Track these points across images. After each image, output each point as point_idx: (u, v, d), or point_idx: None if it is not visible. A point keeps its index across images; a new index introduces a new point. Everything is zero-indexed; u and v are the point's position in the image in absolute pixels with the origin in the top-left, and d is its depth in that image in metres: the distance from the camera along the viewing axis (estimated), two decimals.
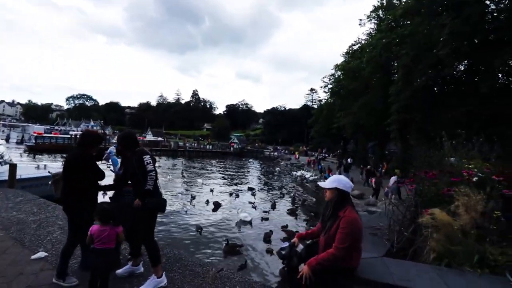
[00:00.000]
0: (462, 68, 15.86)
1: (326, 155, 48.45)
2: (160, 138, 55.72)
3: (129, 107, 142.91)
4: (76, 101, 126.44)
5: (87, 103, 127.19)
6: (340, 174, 22.06)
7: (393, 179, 12.96)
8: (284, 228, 9.42)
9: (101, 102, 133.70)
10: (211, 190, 15.10)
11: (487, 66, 13.30)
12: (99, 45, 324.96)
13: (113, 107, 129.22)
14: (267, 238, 8.37)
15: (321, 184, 2.64)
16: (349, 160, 25.81)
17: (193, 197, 12.62)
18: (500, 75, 13.73)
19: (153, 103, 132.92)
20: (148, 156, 2.87)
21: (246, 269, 6.38)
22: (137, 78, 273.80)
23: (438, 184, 3.24)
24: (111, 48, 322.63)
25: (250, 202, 12.79)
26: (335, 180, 2.54)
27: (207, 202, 12.12)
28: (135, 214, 2.82)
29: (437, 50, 13.60)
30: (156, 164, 3.23)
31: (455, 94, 15.43)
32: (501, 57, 12.50)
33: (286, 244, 2.98)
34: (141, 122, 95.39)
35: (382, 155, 30.97)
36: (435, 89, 17.17)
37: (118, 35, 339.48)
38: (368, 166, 18.11)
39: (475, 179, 3.09)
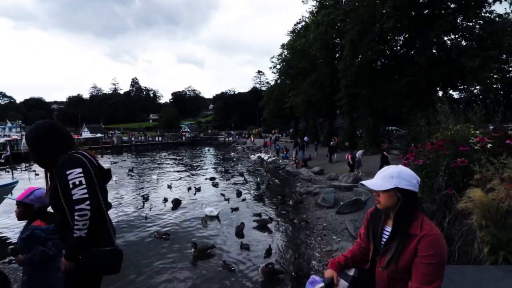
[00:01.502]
0: (401, 43, 16.83)
1: (280, 136, 49.40)
2: (99, 135, 49.59)
3: (56, 102, 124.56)
4: None
5: (0, 101, 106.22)
6: (297, 153, 22.32)
7: (359, 153, 13.18)
8: (257, 216, 8.77)
9: (19, 99, 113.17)
10: (169, 186, 13.59)
11: (424, 38, 14.23)
12: (4, 31, 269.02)
13: (35, 104, 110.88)
14: (239, 232, 7.60)
15: (370, 184, 1.56)
16: (305, 138, 26.30)
17: (145, 198, 11.02)
18: (434, 48, 14.86)
19: (86, 95, 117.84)
20: (79, 171, 1.62)
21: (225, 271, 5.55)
22: (61, 69, 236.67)
23: (446, 156, 2.79)
24: (22, 34, 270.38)
25: (222, 194, 11.76)
26: (392, 175, 1.47)
27: (165, 200, 10.72)
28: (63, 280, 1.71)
29: (381, 24, 14.02)
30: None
31: (396, 67, 16.39)
32: (436, 29, 13.39)
33: (318, 282, 1.69)
34: (74, 119, 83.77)
35: (331, 130, 32.57)
36: (379, 63, 18.08)
37: (27, 18, 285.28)
38: (331, 143, 18.48)
39: (489, 145, 2.71)
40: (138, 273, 5.65)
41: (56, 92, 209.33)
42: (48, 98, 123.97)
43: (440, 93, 16.60)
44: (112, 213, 9.34)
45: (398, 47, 16.91)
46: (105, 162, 25.63)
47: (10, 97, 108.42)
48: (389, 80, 16.17)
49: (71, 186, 1.58)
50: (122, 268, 5.39)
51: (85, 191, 1.59)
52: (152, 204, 10.43)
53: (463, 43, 14.05)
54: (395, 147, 22.22)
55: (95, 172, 1.76)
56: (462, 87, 16.98)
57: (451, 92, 17.64)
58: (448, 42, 14.68)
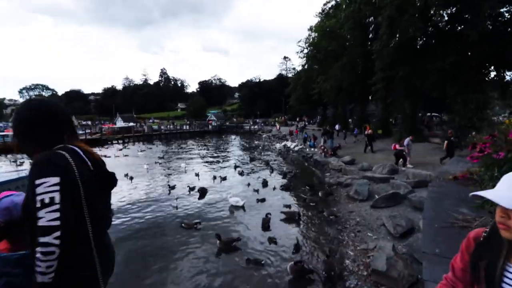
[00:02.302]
0: (446, 18, 14.90)
1: (307, 123, 48.04)
2: (131, 124, 51.93)
3: (93, 94, 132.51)
4: (31, 93, 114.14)
5: (43, 93, 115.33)
6: (325, 141, 21.37)
7: (407, 140, 11.98)
8: (287, 207, 8.38)
9: (60, 91, 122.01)
10: (196, 175, 13.67)
11: (476, 11, 12.39)
12: (44, 27, 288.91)
13: (75, 96, 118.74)
14: (265, 224, 7.29)
15: (497, 198, 0.91)
16: (336, 126, 25.09)
17: (171, 187, 11.11)
18: (488, 22, 12.91)
19: (119, 87, 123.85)
20: (54, 181, 1.12)
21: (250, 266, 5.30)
22: (97, 62, 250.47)
23: None
24: (60, 30, 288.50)
25: (248, 184, 11.50)
26: None
27: (191, 189, 10.71)
28: None
29: None
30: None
31: (440, 45, 14.60)
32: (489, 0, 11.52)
33: None
34: (109, 109, 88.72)
35: (363, 117, 30.75)
36: (420, 41, 16.28)
37: (65, 14, 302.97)
38: (370, 130, 17.08)
39: None
40: (162, 263, 5.60)
41: (92, 84, 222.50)
42: (86, 90, 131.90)
43: (493, 74, 14.61)
44: (141, 202, 9.55)
45: (444, 23, 14.97)
46: (134, 150, 26.79)
47: (52, 90, 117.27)
48: (432, 59, 14.48)
49: (38, 204, 1.08)
50: (146, 257, 5.41)
51: (58, 215, 1.08)
52: (179, 193, 10.47)
53: None
54: (435, 134, 20.37)
55: (86, 180, 1.22)
56: None
57: (503, 73, 15.43)
58: (506, 14, 12.63)
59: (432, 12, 14.51)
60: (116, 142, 36.07)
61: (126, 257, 5.83)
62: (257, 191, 10.55)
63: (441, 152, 14.44)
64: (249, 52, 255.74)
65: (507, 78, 14.72)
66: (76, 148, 1.29)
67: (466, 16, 13.43)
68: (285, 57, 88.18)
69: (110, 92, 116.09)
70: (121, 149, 26.44)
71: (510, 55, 12.12)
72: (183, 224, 7.31)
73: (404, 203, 7.60)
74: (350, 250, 5.69)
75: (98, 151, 24.77)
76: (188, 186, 10.85)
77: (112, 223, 5.68)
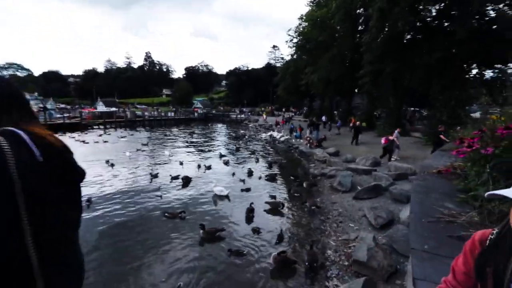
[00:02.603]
0: (434, 13, 15.05)
1: (293, 114, 48.21)
2: (114, 109, 50.02)
3: (72, 76, 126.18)
4: (5, 72, 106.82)
5: (18, 73, 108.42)
6: (311, 133, 21.51)
7: (396, 133, 12.00)
8: (272, 198, 8.35)
9: (37, 72, 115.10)
10: (181, 163, 13.37)
11: (464, 8, 12.57)
12: (21, 2, 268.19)
13: (53, 77, 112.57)
14: (249, 214, 7.24)
15: None
16: (323, 118, 25.20)
17: (153, 175, 10.78)
18: (475, 18, 13.14)
19: (101, 69, 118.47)
20: None
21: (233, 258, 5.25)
22: (78, 42, 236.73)
23: None
24: (40, 6, 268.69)
25: (233, 174, 11.37)
26: None
27: (173, 178, 10.45)
28: None
29: None
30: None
31: (427, 40, 14.80)
32: None
33: None
34: (89, 92, 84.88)
35: (348, 110, 31.17)
36: (408, 36, 16.44)
37: None
38: (357, 123, 17.19)
39: None
40: (144, 254, 5.44)
41: (72, 65, 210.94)
42: (65, 72, 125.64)
43: (475, 71, 15.05)
44: (123, 190, 9.22)
45: (431, 18, 15.14)
46: (115, 136, 25.87)
47: (28, 70, 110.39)
48: (419, 55, 14.70)
49: None
50: (128, 249, 5.22)
51: None
52: (162, 182, 10.20)
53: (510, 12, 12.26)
54: (417, 129, 21.00)
55: (28, 173, 0.86)
56: (500, 66, 15.28)
57: (482, 72, 15.94)
58: (492, 12, 12.90)
59: (421, 7, 14.60)
60: (96, 127, 34.72)
61: (107, 249, 5.64)
62: (242, 181, 10.46)
63: (422, 146, 14.92)
64: (238, 39, 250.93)
65: (487, 76, 15.21)
66: (21, 132, 0.94)
67: (454, 12, 13.62)
68: (274, 46, 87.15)
69: (91, 74, 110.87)
70: (100, 135, 25.45)
71: (496, 53, 12.46)
72: (166, 214, 7.12)
73: (385, 195, 7.76)
74: (332, 241, 5.76)
75: (77, 136, 23.96)
76: (170, 175, 10.57)
77: (92, 213, 5.41)
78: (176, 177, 10.49)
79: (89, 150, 17.63)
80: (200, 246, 5.76)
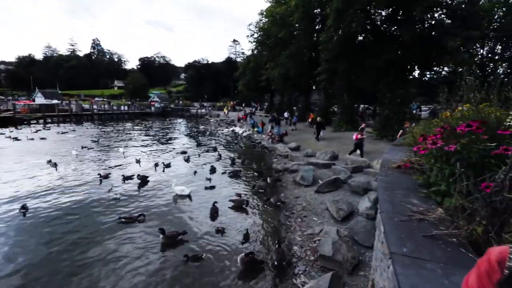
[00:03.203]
0: (383, 18, 16.22)
1: (255, 110, 48.44)
2: (55, 101, 44.56)
3: (3, 63, 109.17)
4: None
5: None
6: (272, 128, 21.76)
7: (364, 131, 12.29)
8: (237, 196, 8.11)
9: None
10: (138, 161, 12.36)
11: (408, 14, 13.75)
12: None
13: None
14: (213, 214, 6.95)
15: None
16: (285, 114, 25.55)
17: (103, 176, 9.72)
18: (418, 25, 14.48)
19: (39, 56, 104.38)
20: None
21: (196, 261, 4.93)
22: (8, 25, 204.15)
23: (482, 141, 2.24)
24: None
25: (194, 172, 10.80)
26: None
27: (125, 178, 9.57)
28: None
29: None
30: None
31: (377, 43, 15.90)
32: (420, 4, 12.88)
33: None
34: (25, 82, 74.28)
35: (307, 105, 32.31)
36: (360, 38, 17.47)
37: None
38: (318, 118, 17.57)
39: None
40: (96, 265, 4.83)
41: (3, 51, 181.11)
42: None
43: (417, 73, 16.70)
44: (68, 195, 8.14)
45: (380, 22, 16.31)
46: (54, 131, 23.03)
47: None
48: (369, 56, 15.77)
49: None
50: (77, 263, 4.57)
51: None
52: (114, 183, 9.26)
53: (448, 21, 13.79)
54: (368, 125, 22.67)
55: None
56: (437, 68, 17.16)
57: (418, 72, 17.77)
58: (432, 21, 14.35)
59: (372, 10, 15.61)
60: (34, 122, 30.57)
61: (50, 264, 4.87)
62: (204, 178, 10.05)
63: (373, 140, 16.08)
64: (197, 31, 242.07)
65: (426, 77, 16.95)
66: None
67: (400, 17, 14.82)
68: (235, 40, 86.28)
69: (26, 61, 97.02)
70: (36, 131, 22.40)
71: (434, 57, 13.89)
72: (122, 219, 6.44)
73: (344, 188, 8.13)
74: (298, 236, 5.79)
75: (7, 132, 20.71)
76: (123, 175, 9.68)
77: (28, 222, 4.61)
78: (130, 177, 9.64)
79: (24, 148, 15.36)
80: (161, 252, 5.32)
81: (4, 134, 20.25)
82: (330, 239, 4.86)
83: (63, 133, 22.47)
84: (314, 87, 31.71)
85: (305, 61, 24.83)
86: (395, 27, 15.51)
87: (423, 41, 13.72)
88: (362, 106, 31.26)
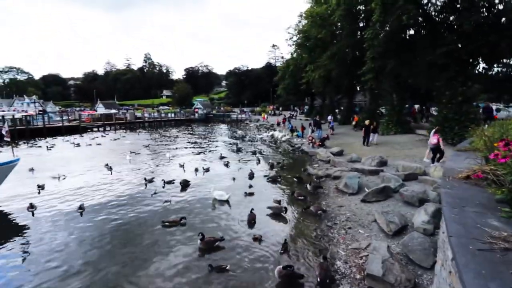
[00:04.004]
0: (438, 8, 14.53)
1: (294, 114, 47.75)
2: (113, 110, 49.72)
3: (72, 79, 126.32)
4: (5, 76, 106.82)
5: (18, 76, 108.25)
6: (313, 131, 21.04)
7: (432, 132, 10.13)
8: (277, 203, 7.89)
9: (37, 75, 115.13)
10: (181, 166, 12.95)
11: (471, 0, 12.07)
12: (13, 4, 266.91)
13: (53, 80, 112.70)
14: (251, 221, 6.80)
15: None
16: (329, 117, 24.50)
17: (148, 181, 10.27)
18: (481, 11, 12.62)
19: (101, 72, 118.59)
20: None
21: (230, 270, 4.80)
22: (76, 45, 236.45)
23: None
24: (31, 9, 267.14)
25: (233, 178, 10.80)
26: None
27: (166, 182, 9.95)
28: None
29: None
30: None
31: (431, 35, 14.28)
32: None
33: None
34: (89, 95, 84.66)
35: (350, 108, 30.65)
36: (411, 31, 15.95)
37: None
38: (367, 121, 15.88)
39: None
40: (139, 266, 5.03)
41: (72, 68, 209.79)
42: (64, 75, 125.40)
43: (482, 66, 14.51)
44: (120, 197, 8.80)
45: (436, 12, 14.64)
46: (109, 138, 25.56)
47: (28, 73, 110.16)
48: (423, 51, 14.20)
49: None
50: (124, 260, 4.77)
51: None
52: (157, 187, 9.75)
53: None
54: (421, 126, 20.47)
55: None
56: (507, 60, 14.77)
57: (483, 66, 15.36)
58: (500, 4, 12.37)
59: (425, 0, 14.11)
60: (96, 129, 34.43)
61: (101, 260, 5.26)
62: (243, 183, 10.03)
63: (426, 144, 14.41)
64: (237, 39, 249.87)
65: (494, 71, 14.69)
66: None
67: (459, 6, 13.11)
68: (273, 45, 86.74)
69: (90, 76, 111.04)
70: (94, 138, 25.15)
71: (504, 47, 11.94)
72: (166, 222, 6.67)
73: (395, 197, 7.32)
74: (341, 250, 5.31)
75: (72, 139, 23.66)
76: (163, 180, 10.12)
77: (85, 223, 4.92)
78: (170, 182, 10.05)
79: (83, 153, 17.30)
80: (198, 258, 5.32)
81: (68, 140, 23.21)
82: (380, 256, 4.32)
83: (115, 139, 24.79)
84: (358, 88, 29.98)
85: (347, 61, 23.59)
86: (453, 17, 13.76)
87: (489, 30, 11.86)
88: (416, 106, 28.47)
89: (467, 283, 1.29)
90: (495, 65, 16.03)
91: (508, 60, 18.01)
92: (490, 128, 4.14)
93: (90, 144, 21.26)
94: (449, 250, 1.81)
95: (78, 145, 20.92)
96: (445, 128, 13.49)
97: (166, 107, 73.57)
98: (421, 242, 4.69)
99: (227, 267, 4.79)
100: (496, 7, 12.43)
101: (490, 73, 17.50)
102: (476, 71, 14.90)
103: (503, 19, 12.29)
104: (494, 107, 23.94)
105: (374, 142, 15.85)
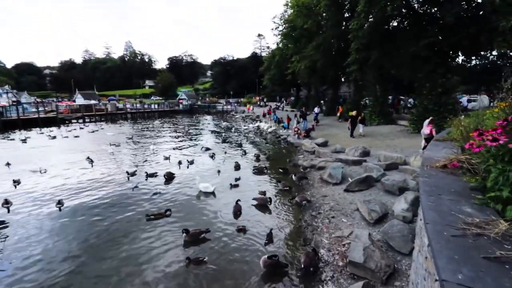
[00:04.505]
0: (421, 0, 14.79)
1: (280, 105, 47.83)
2: (93, 101, 47.79)
3: (48, 68, 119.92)
4: None
5: None
6: (298, 123, 21.17)
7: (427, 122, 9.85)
8: (261, 194, 7.94)
9: (9, 63, 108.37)
10: (167, 158, 12.71)
11: None
12: None
13: (27, 68, 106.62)
14: (237, 212, 6.82)
15: None
16: (316, 109, 24.58)
17: (130, 174, 9.98)
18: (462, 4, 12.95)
19: (78, 60, 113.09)
20: None
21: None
22: (53, 32, 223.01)
23: None
24: None
25: (218, 171, 10.67)
26: None
27: (148, 176, 9.78)
28: None
29: None
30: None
31: (414, 27, 14.58)
32: None
33: None
34: (67, 84, 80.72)
35: (335, 99, 31.03)
36: (394, 23, 16.17)
37: None
38: (354, 112, 16.02)
39: None
40: (120, 259, 4.94)
41: (47, 57, 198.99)
42: (39, 63, 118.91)
43: (461, 58, 15.02)
44: (101, 190, 8.55)
45: (418, 4, 14.89)
46: (85, 130, 24.66)
47: None
48: (406, 43, 14.50)
49: None
50: (102, 254, 4.68)
51: None
52: (140, 181, 9.54)
53: None
54: (403, 117, 21.07)
55: None
56: (484, 53, 15.34)
57: (463, 58, 15.94)
58: None
59: None
60: (75, 121, 33.06)
61: (84, 256, 5.13)
62: (229, 175, 10.00)
63: (409, 135, 14.90)
64: (223, 28, 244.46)
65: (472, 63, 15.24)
66: None
67: None
68: (259, 35, 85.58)
69: (67, 65, 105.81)
70: (70, 130, 24.12)
71: (484, 40, 12.36)
72: (151, 216, 6.55)
73: (376, 187, 7.54)
74: (325, 238, 5.44)
75: (48, 131, 22.60)
76: (146, 172, 9.94)
77: (65, 216, 4.73)
78: (153, 175, 9.88)
79: (60, 147, 16.60)
80: (184, 249, 5.30)
81: (44, 133, 22.17)
82: (361, 244, 4.46)
83: (93, 131, 23.85)
84: (343, 79, 30.34)
85: (333, 52, 23.73)
86: (435, 9, 14.07)
87: (469, 22, 12.23)
88: (399, 97, 29.17)
89: (441, 268, 1.34)
90: (473, 58, 16.61)
91: (486, 53, 18.71)
92: (466, 118, 4.30)
93: (67, 137, 20.38)
94: (425, 236, 1.87)
95: (54, 137, 20.02)
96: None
97: (156, 98, 71.18)
98: (400, 229, 4.88)
99: (205, 259, 4.80)
100: (476, 0, 12.80)
101: (468, 65, 18.18)
102: (455, 63, 15.40)
103: (481, 12, 12.68)
104: (465, 98, 25.04)
105: (362, 133, 16.06)
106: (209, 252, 5.18)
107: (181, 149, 15.71)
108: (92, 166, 11.50)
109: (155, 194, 8.20)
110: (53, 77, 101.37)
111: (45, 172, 10.47)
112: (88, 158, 12.32)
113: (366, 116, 20.70)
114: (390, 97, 23.67)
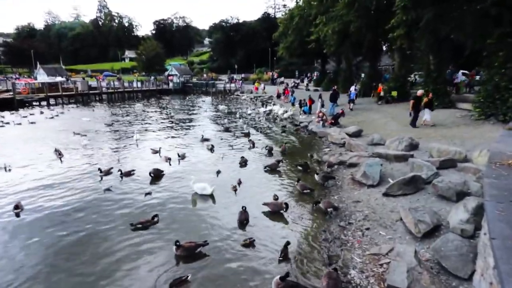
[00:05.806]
0: None
1: (300, 82, 47.58)
2: (59, 78, 48.73)
3: (2, 35, 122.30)
4: None
5: None
6: (323, 106, 21.06)
7: None
8: (274, 197, 8.09)
9: None
10: (156, 152, 13.01)
11: None
12: None
13: None
14: (243, 220, 6.95)
15: None
16: (352, 88, 24.32)
17: (103, 172, 10.14)
18: None
19: (39, 25, 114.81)
20: None
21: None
22: None
23: None
24: None
25: (218, 172, 10.69)
26: None
27: (123, 174, 9.97)
28: None
29: None
30: None
31: None
32: None
33: None
34: (25, 57, 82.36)
35: (374, 74, 30.60)
36: None
37: None
38: (419, 92, 15.07)
39: None
40: (99, 279, 5.14)
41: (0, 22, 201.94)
42: None
43: None
44: (69, 191, 8.83)
45: None
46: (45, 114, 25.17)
47: None
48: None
49: None
50: (76, 271, 4.81)
51: None
52: (115, 182, 9.83)
53: None
54: (465, 99, 20.58)
55: None
56: None
57: None
58: None
59: None
60: (37, 103, 33.87)
61: (49, 278, 5.32)
62: (232, 173, 10.20)
63: (473, 122, 14.57)
64: None
65: None
66: None
67: None
68: None
69: (25, 32, 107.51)
70: (25, 116, 24.34)
71: None
72: (137, 225, 6.74)
73: (426, 190, 7.51)
74: (357, 256, 5.51)
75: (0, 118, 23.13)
76: (119, 170, 10.12)
77: (24, 224, 4.91)
78: (129, 173, 10.14)
79: (15, 135, 17.12)
80: (175, 267, 5.45)
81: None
82: (405, 264, 4.52)
83: (52, 117, 24.12)
84: (384, 48, 29.78)
85: (371, 11, 23.28)
86: None
87: None
88: (459, 72, 28.50)
89: None
90: None
91: None
92: None
93: (20, 123, 20.87)
94: (490, 256, 1.86)
95: (2, 125, 20.51)
96: (496, 101, 13.65)
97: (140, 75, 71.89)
98: (458, 246, 4.85)
99: (188, 278, 4.93)
100: None
101: None
102: None
103: None
104: None
105: (428, 121, 14.99)
106: (207, 271, 5.31)
107: (171, 140, 16.01)
108: (61, 162, 11.84)
109: (147, 194, 8.61)
110: (8, 47, 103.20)
111: (9, 170, 10.82)
112: (56, 151, 12.67)
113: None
114: (448, 71, 23.12)
